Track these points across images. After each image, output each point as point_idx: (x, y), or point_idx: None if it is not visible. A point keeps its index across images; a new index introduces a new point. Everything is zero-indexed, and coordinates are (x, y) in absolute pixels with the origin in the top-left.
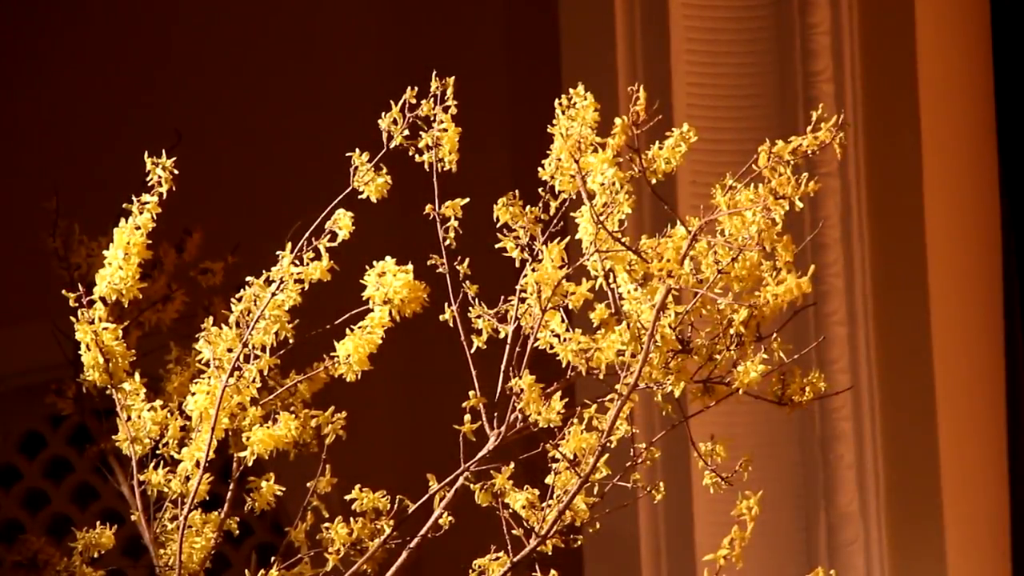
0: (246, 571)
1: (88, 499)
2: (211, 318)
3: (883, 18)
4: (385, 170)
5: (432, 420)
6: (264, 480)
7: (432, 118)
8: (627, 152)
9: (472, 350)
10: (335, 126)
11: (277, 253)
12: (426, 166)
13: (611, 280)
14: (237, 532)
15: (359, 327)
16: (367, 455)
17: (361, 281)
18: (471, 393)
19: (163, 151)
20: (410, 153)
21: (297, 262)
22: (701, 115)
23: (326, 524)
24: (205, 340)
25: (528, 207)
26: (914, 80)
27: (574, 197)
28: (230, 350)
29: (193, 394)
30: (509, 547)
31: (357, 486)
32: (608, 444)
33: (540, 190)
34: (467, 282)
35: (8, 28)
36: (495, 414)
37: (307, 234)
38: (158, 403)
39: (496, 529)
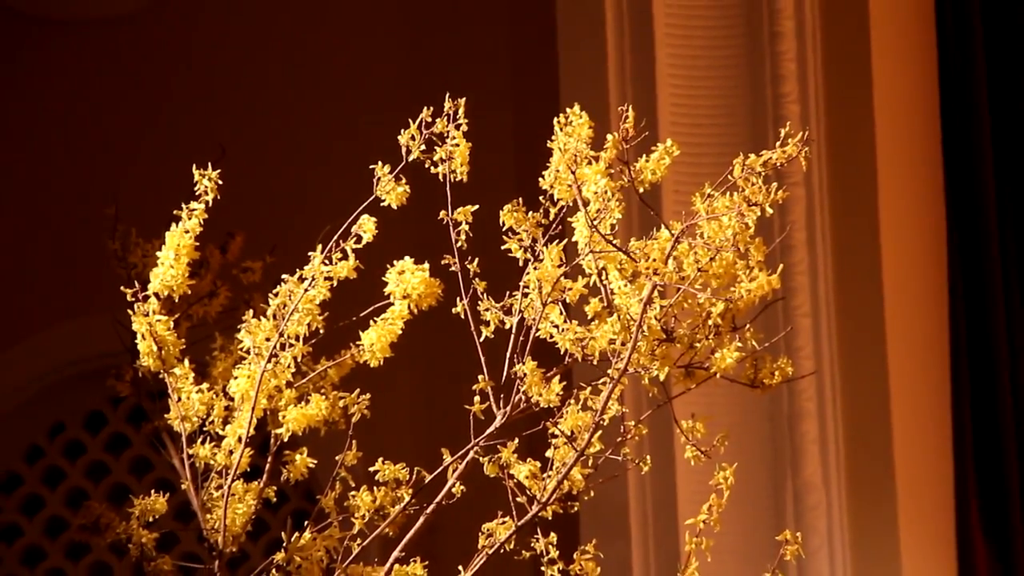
0: (282, 533)
1: (144, 470)
2: (251, 311)
3: (843, 47)
4: (404, 180)
5: (446, 401)
6: (298, 454)
7: (445, 135)
8: (617, 164)
9: (481, 339)
10: (361, 143)
11: (309, 254)
12: (440, 177)
13: (604, 277)
14: (274, 499)
15: (381, 319)
16: (389, 432)
17: (383, 278)
18: (480, 377)
19: (209, 164)
20: (426, 165)
21: (327, 262)
22: (683, 132)
23: (353, 492)
24: (246, 330)
25: (530, 213)
26: (869, 101)
27: (571, 204)
28: (268, 339)
29: (236, 378)
30: (514, 512)
31: (380, 459)
32: (601, 422)
33: (541, 198)
34: (476, 279)
35: (75, 65)
36: (501, 396)
37: (335, 237)
38: (205, 386)
39: (502, 497)
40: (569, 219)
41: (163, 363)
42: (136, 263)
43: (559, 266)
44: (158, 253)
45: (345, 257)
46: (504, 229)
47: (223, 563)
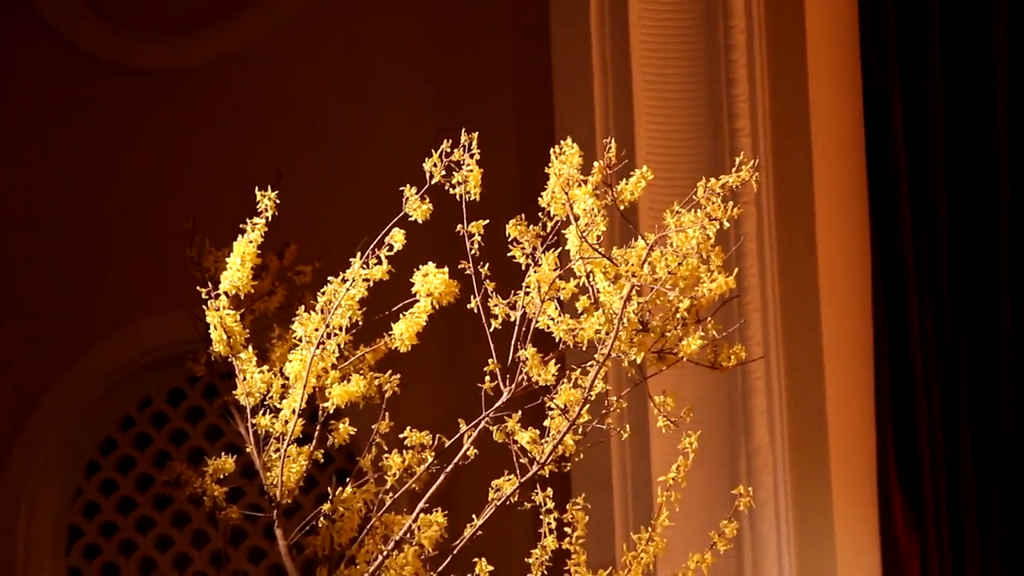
0: (328, 488)
1: (216, 436)
2: (303, 307)
3: (786, 90)
4: (428, 199)
5: (462, 380)
6: (341, 423)
7: (461, 162)
8: (602, 186)
9: (491, 329)
10: (392, 169)
11: (350, 260)
12: (457, 196)
13: (591, 279)
14: (322, 460)
15: (409, 313)
16: (415, 405)
17: (410, 280)
18: (490, 360)
19: (269, 186)
20: (445, 187)
21: (365, 266)
22: (656, 160)
23: (386, 455)
24: (299, 322)
25: (531, 226)
26: (808, 135)
27: (564, 219)
28: (317, 330)
29: (290, 361)
30: (517, 471)
31: (408, 427)
32: (589, 397)
33: (540, 213)
34: (487, 280)
35: (161, 107)
36: (507, 376)
37: (372, 246)
38: (265, 368)
39: (508, 459)
40: (563, 231)
41: (231, 349)
42: (209, 267)
43: (555, 270)
44: (227, 259)
45: (380, 262)
46: (510, 239)
47: (280, 512)
